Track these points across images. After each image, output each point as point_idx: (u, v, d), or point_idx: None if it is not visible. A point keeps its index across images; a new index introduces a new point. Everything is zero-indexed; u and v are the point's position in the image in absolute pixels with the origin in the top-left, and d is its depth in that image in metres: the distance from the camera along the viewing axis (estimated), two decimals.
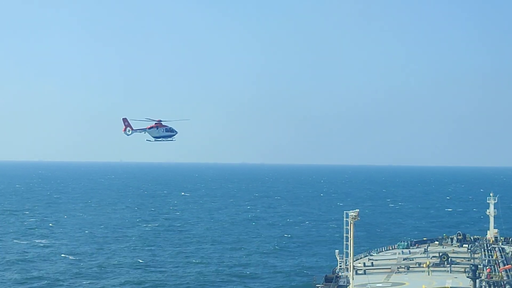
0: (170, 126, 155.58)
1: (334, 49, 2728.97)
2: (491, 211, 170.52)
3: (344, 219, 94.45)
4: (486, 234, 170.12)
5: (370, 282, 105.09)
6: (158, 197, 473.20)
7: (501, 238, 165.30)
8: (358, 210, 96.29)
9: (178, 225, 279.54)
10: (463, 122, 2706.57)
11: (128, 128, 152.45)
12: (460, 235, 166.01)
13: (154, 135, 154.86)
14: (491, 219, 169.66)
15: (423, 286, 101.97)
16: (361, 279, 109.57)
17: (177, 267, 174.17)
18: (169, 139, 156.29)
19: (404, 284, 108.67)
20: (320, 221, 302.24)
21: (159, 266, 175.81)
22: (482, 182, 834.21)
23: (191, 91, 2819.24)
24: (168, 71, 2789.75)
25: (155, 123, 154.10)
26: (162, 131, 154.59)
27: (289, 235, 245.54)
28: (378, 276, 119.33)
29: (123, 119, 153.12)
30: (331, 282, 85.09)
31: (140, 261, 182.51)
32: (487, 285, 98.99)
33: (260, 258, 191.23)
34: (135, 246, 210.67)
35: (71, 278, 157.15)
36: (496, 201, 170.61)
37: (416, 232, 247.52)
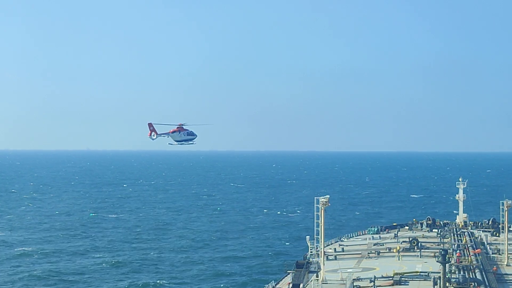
0: (190, 129, 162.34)
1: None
2: (460, 195, 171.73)
3: (315, 205, 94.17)
4: (456, 219, 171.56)
5: (341, 267, 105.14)
6: (113, 185, 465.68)
7: (470, 222, 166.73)
8: (328, 196, 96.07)
9: (127, 214, 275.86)
10: (415, 108, 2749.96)
11: (153, 133, 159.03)
12: (430, 220, 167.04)
13: (176, 139, 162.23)
14: (460, 204, 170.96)
15: (393, 271, 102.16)
16: (332, 265, 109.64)
17: (122, 256, 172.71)
18: (190, 142, 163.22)
19: (375, 269, 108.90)
20: (285, 208, 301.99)
21: (106, 255, 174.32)
22: (440, 167, 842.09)
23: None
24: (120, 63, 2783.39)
25: (177, 127, 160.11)
26: (184, 135, 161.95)
27: (255, 223, 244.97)
28: (349, 262, 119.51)
29: (148, 124, 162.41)
30: (302, 268, 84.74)
31: (80, 250, 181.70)
32: (456, 269, 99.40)
33: (229, 246, 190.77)
34: (76, 236, 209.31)
35: (9, 266, 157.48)
36: (465, 186, 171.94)
37: (385, 218, 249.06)
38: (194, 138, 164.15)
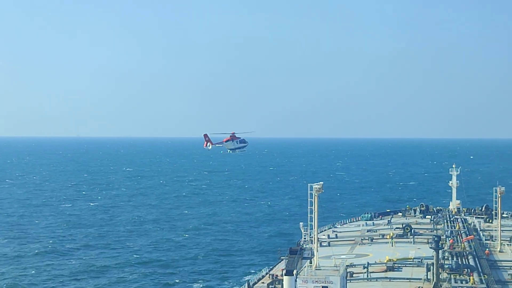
0: (242, 137, 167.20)
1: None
2: (453, 182, 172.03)
3: (308, 191, 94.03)
4: (449, 206, 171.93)
5: (334, 253, 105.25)
6: (98, 173, 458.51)
7: (463, 209, 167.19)
8: (322, 182, 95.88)
9: (107, 203, 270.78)
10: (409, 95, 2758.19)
11: (209, 143, 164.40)
12: (423, 207, 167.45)
13: (230, 147, 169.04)
14: (454, 191, 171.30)
15: (387, 257, 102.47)
16: (325, 251, 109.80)
17: (110, 249, 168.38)
18: (242, 150, 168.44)
19: (368, 255, 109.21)
20: (274, 196, 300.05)
21: (79, 247, 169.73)
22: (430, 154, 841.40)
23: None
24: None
25: (230, 136, 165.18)
26: (237, 143, 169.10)
27: (247, 211, 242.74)
28: (342, 248, 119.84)
29: (204, 135, 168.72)
30: (296, 254, 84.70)
31: (49, 243, 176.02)
32: (449, 255, 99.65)
33: (223, 235, 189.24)
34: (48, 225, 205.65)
35: None
36: (458, 172, 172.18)
37: (378, 205, 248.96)
38: (246, 146, 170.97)
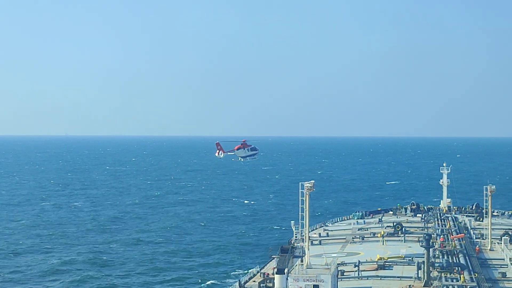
0: (253, 145, 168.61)
1: None
2: (444, 181, 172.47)
3: (300, 190, 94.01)
4: (439, 204, 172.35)
5: (325, 252, 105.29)
6: (82, 172, 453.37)
7: (454, 207, 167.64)
8: (313, 181, 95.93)
9: (81, 202, 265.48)
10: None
11: (221, 152, 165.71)
12: (414, 205, 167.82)
13: (241, 155, 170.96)
14: (444, 189, 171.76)
15: (378, 256, 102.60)
16: (316, 249, 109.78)
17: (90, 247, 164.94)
18: (253, 157, 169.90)
19: (359, 253, 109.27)
20: (258, 195, 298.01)
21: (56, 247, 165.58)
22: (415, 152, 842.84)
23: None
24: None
25: (241, 143, 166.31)
26: (248, 151, 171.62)
27: (228, 210, 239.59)
28: (334, 246, 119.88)
29: (216, 143, 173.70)
30: (287, 252, 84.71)
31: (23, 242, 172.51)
32: (440, 253, 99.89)
33: (205, 235, 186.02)
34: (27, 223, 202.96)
35: None
36: (449, 171, 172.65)
37: (369, 203, 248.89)
38: (257, 153, 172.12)
